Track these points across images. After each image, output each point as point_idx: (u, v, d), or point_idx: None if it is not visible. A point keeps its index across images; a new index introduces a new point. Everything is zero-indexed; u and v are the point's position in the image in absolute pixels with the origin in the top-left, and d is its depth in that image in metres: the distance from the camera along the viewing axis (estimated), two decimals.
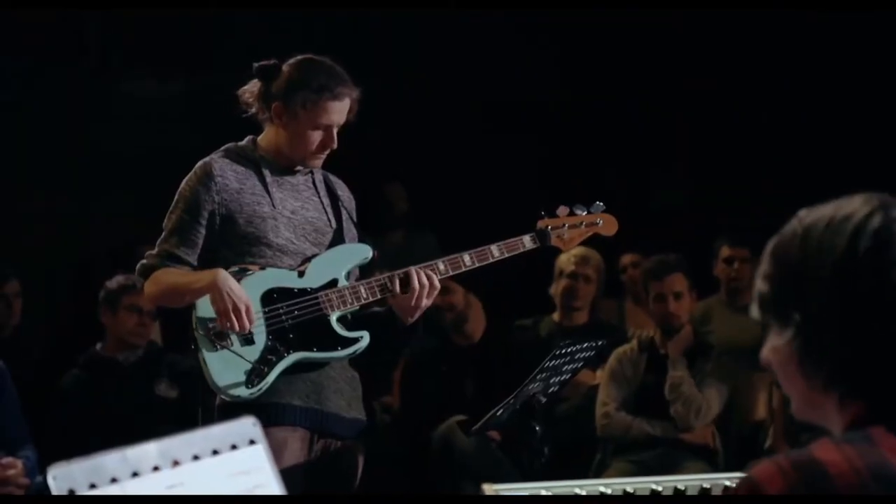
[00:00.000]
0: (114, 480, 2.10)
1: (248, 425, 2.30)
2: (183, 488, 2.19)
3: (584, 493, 2.48)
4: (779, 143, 8.31)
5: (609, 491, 2.47)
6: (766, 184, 8.26)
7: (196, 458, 2.22)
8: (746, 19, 8.14)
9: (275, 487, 2.30)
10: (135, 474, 2.13)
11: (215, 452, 2.25)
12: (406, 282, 4.03)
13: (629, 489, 2.47)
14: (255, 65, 4.12)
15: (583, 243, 4.42)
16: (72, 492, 2.03)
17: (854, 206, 1.83)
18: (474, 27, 8.61)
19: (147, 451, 2.16)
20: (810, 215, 1.86)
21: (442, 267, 4.09)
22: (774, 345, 1.84)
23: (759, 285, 1.89)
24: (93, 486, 2.08)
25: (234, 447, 2.27)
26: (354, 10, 8.25)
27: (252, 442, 2.30)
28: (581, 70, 8.62)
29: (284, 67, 4.09)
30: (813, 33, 7.95)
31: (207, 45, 7.89)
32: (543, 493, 2.52)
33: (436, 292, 4.07)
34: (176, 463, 2.18)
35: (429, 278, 4.03)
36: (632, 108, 8.52)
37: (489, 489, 2.49)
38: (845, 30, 7.88)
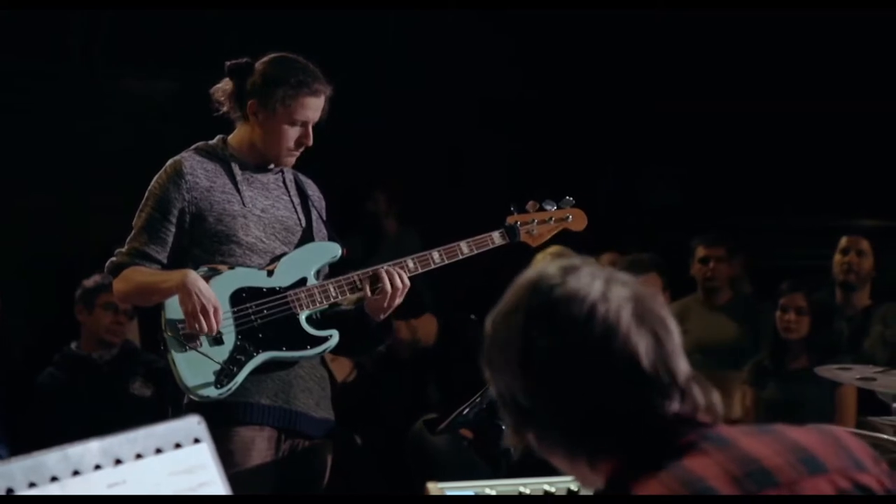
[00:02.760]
0: (54, 479, 2.09)
1: (192, 424, 2.29)
2: (125, 486, 2.18)
3: (528, 491, 2.48)
4: (775, 143, 8.30)
5: (553, 490, 2.48)
6: (763, 184, 8.26)
7: (139, 456, 2.21)
8: (744, 18, 8.13)
9: (220, 485, 2.29)
10: (76, 473, 2.12)
11: (159, 451, 2.24)
12: (375, 281, 4.03)
13: (573, 487, 2.49)
14: (228, 63, 4.13)
15: (555, 240, 4.41)
16: (10, 491, 2.01)
17: (522, 290, 1.92)
18: (470, 27, 8.62)
19: (89, 450, 2.15)
20: (492, 313, 1.95)
21: (411, 264, 4.10)
22: (514, 436, 1.94)
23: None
24: (32, 484, 2.06)
25: (178, 445, 2.27)
26: (344, 10, 8.26)
27: (197, 440, 2.30)
28: (577, 69, 8.61)
29: (258, 65, 4.09)
30: (811, 33, 7.94)
31: (202, 44, 7.89)
32: (488, 491, 2.53)
33: (406, 290, 4.07)
34: (118, 461, 2.18)
35: (401, 278, 4.03)
36: (626, 108, 8.51)
37: (433, 488, 2.50)
38: (844, 30, 7.87)
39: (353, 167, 8.28)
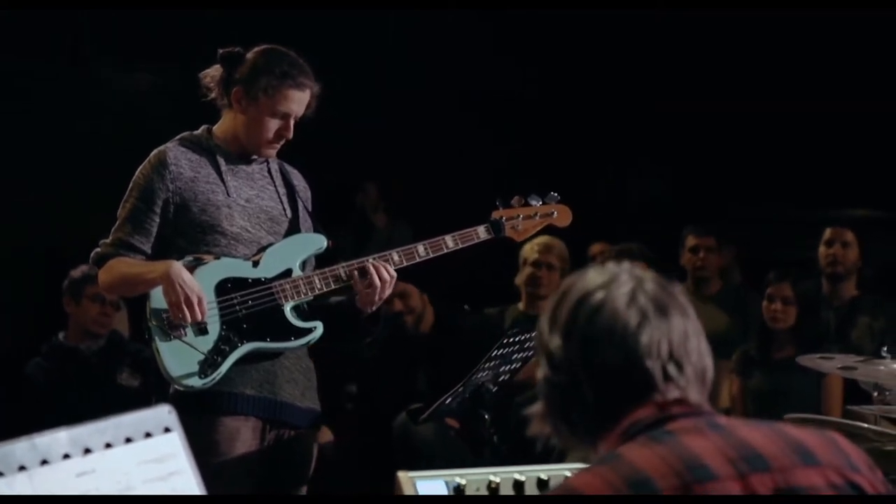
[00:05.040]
0: (22, 468, 2.10)
1: (163, 413, 2.29)
2: (94, 475, 2.18)
3: (498, 480, 2.49)
4: (767, 138, 8.31)
5: (523, 479, 2.48)
6: (754, 177, 8.27)
7: (108, 445, 2.22)
8: (740, 19, 8.14)
9: (190, 474, 2.29)
10: (44, 462, 2.13)
11: (129, 440, 2.24)
12: (363, 274, 4.04)
13: (543, 476, 2.49)
14: (220, 51, 4.14)
15: (542, 233, 4.41)
16: None
17: (584, 285, 2.06)
18: (470, 27, 8.63)
19: (57, 439, 2.16)
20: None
21: (396, 258, 4.10)
22: (539, 411, 2.05)
23: None
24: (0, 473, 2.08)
25: (148, 435, 2.27)
26: (344, 10, 8.28)
27: (167, 430, 2.30)
28: (576, 69, 8.63)
29: (248, 55, 4.11)
30: (805, 33, 7.95)
31: (203, 43, 7.89)
32: (458, 480, 2.53)
33: (393, 282, 4.08)
34: (87, 451, 2.18)
35: (387, 271, 4.04)
36: (624, 106, 8.52)
37: (403, 476, 2.50)
38: (837, 30, 7.88)
39: (354, 167, 8.29)
